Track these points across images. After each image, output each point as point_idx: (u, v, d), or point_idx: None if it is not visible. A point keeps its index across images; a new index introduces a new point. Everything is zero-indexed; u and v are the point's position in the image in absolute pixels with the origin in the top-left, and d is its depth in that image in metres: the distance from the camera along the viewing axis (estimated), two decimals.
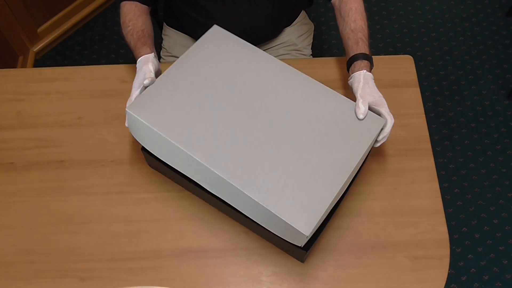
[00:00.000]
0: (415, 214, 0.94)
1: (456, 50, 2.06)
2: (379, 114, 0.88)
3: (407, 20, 2.15)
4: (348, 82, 0.95)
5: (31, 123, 1.07)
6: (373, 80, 0.93)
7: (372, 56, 0.97)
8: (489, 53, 2.05)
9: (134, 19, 1.03)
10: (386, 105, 0.89)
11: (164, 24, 1.34)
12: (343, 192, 0.83)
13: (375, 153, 1.01)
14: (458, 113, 1.90)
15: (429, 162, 1.00)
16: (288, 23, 1.28)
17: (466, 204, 1.70)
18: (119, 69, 1.14)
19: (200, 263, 0.90)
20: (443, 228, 0.93)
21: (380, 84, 1.10)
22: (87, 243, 0.93)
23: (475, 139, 1.84)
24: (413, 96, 1.09)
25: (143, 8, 1.07)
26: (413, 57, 1.14)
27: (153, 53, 0.96)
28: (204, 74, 0.88)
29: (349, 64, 0.97)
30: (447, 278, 0.88)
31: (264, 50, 1.29)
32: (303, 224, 0.74)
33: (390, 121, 0.88)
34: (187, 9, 1.16)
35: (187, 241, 0.92)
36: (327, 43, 2.10)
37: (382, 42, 2.09)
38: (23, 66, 1.96)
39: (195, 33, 0.97)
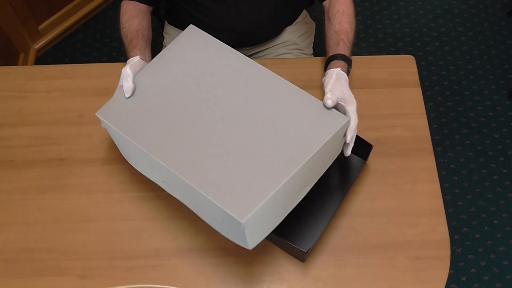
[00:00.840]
0: (416, 214, 0.94)
1: (457, 50, 2.06)
2: (344, 112, 0.85)
3: (408, 20, 2.14)
4: (322, 80, 0.93)
5: (32, 120, 1.07)
6: (347, 81, 0.90)
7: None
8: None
9: (130, 20, 1.02)
10: (355, 105, 0.86)
11: (166, 22, 1.34)
12: (305, 187, 0.81)
13: (376, 153, 1.00)
14: (459, 113, 1.90)
15: (430, 162, 1.00)
16: (290, 22, 1.28)
17: (467, 205, 1.70)
18: (120, 67, 1.12)
19: (200, 262, 0.90)
20: (444, 229, 0.93)
21: (381, 84, 1.10)
22: (88, 241, 0.93)
23: (476, 140, 1.84)
24: (415, 96, 1.08)
25: (142, 7, 1.06)
26: (414, 57, 1.14)
27: (138, 56, 0.95)
28: (173, 76, 0.89)
29: (326, 64, 0.95)
30: (448, 279, 0.88)
31: (265, 49, 1.30)
32: (238, 211, 0.70)
33: (354, 121, 0.84)
34: (188, 8, 1.16)
35: (187, 239, 0.92)
36: None
37: (383, 42, 2.09)
38: (24, 63, 1.96)
39: None
